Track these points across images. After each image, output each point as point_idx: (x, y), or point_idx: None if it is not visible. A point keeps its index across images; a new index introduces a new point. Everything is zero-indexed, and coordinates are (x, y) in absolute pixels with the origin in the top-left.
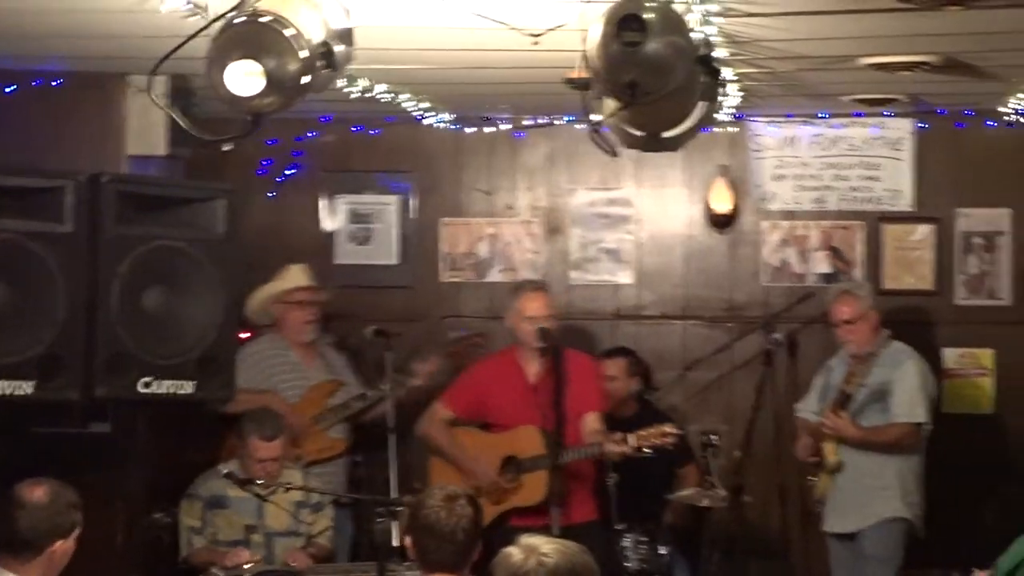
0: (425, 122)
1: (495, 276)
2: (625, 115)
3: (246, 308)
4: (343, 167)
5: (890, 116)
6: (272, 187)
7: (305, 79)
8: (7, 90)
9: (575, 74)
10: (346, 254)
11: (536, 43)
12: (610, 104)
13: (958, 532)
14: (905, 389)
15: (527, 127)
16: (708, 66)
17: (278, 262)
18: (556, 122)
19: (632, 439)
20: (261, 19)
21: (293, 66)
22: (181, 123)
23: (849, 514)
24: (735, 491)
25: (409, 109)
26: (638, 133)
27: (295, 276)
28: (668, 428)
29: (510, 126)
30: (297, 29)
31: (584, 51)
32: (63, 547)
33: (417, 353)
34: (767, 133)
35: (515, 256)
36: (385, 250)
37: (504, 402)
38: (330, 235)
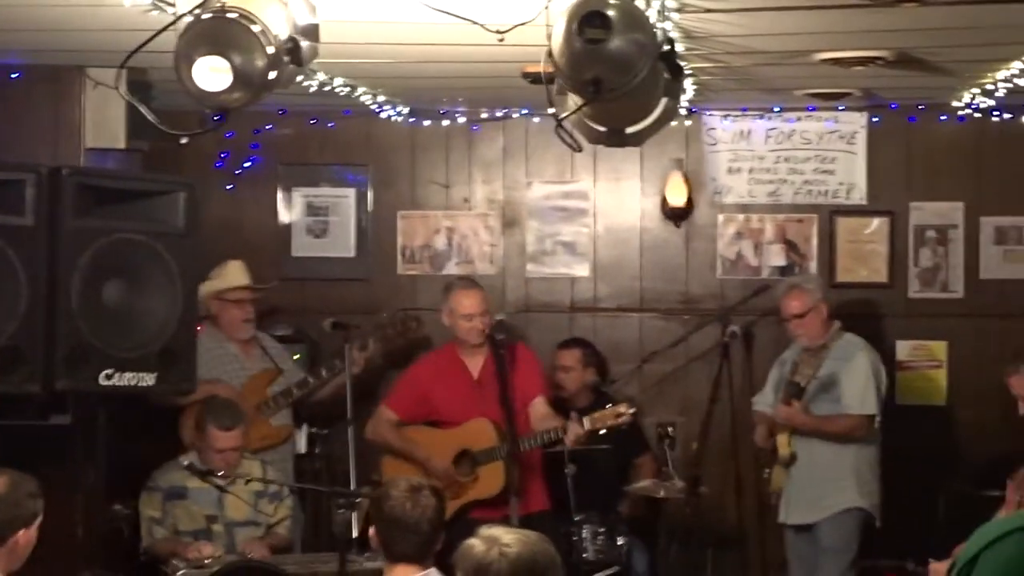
0: (381, 115)
1: (452, 269)
2: (588, 111)
3: None
4: (300, 160)
5: (844, 110)
6: (229, 180)
7: (272, 75)
8: None
9: (533, 68)
10: (303, 247)
11: (501, 39)
12: (573, 100)
13: (911, 523)
14: (856, 381)
15: (483, 120)
16: (670, 63)
17: (235, 255)
18: (513, 115)
19: (587, 422)
20: (228, 15)
21: (260, 62)
22: (149, 117)
23: (805, 506)
24: (692, 483)
25: (366, 102)
26: (601, 129)
27: (234, 275)
28: (623, 408)
29: (466, 119)
30: (264, 25)
31: (548, 47)
32: (26, 536)
33: (352, 339)
34: (721, 127)
35: (472, 249)
36: (342, 243)
37: (449, 399)
38: (287, 228)
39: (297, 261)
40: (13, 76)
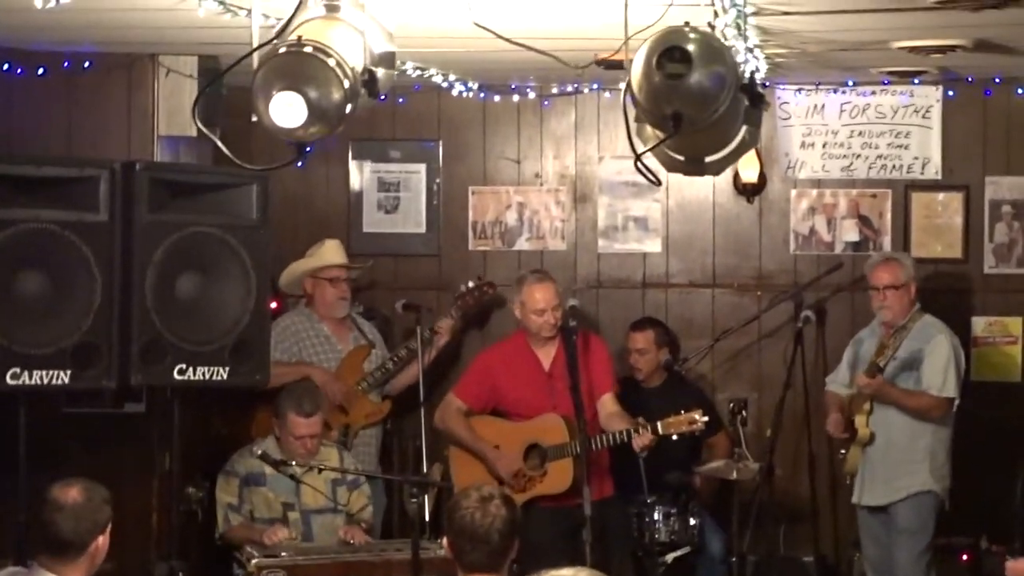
0: (452, 91)
1: (523, 244)
2: (667, 141)
3: (279, 280)
4: (370, 135)
5: (918, 84)
6: (300, 157)
7: (348, 108)
8: (38, 72)
9: (606, 56)
10: (374, 222)
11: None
12: (652, 130)
13: (986, 500)
14: (937, 363)
15: (554, 95)
16: (751, 92)
17: (307, 231)
18: (583, 90)
19: (659, 427)
20: (304, 49)
21: (336, 95)
22: (224, 150)
23: (880, 488)
24: (767, 470)
25: (437, 81)
26: (679, 158)
27: (330, 254)
28: (696, 415)
29: (537, 95)
30: (339, 58)
31: (627, 81)
32: (104, 542)
33: (423, 321)
34: (795, 101)
35: (543, 224)
36: (413, 218)
37: (520, 391)
38: (358, 203)
39: (368, 237)
40: (86, 66)
